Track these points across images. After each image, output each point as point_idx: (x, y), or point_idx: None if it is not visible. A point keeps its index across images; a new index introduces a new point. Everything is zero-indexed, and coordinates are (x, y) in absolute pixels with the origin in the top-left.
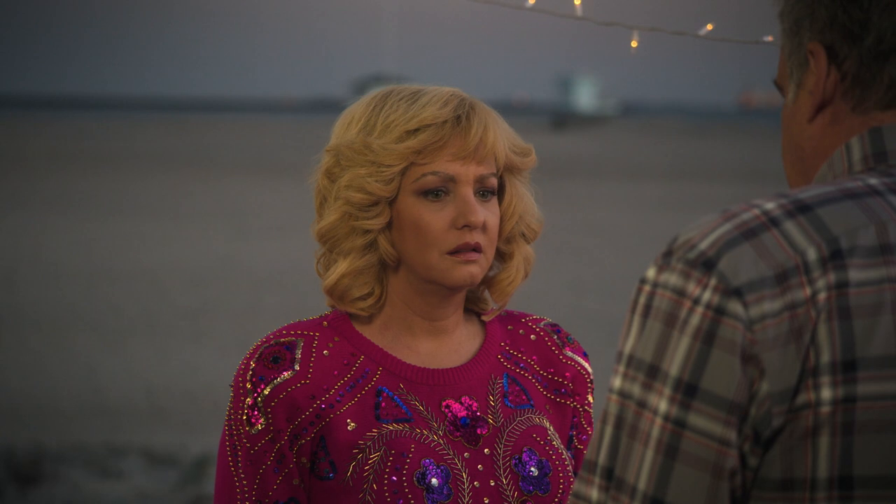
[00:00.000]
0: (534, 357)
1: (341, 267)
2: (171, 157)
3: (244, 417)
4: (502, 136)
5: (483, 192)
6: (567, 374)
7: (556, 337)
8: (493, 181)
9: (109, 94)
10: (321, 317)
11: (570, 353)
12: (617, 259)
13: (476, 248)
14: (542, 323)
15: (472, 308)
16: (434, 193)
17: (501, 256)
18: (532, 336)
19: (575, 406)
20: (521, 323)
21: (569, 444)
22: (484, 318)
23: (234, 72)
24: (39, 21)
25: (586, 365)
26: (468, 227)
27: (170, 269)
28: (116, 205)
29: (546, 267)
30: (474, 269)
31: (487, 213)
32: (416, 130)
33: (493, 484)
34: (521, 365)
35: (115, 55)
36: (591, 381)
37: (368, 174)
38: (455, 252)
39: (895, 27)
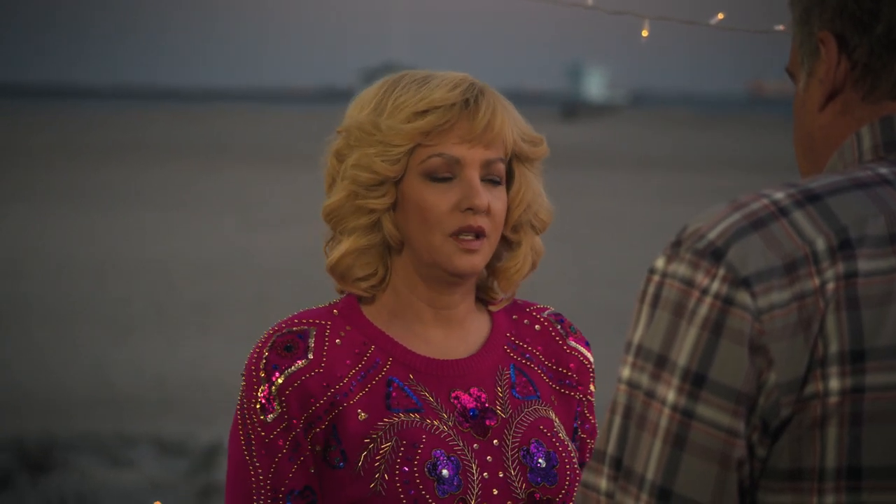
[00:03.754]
0: (538, 347)
1: (344, 245)
2: (177, 147)
3: (258, 406)
4: (511, 121)
5: (490, 178)
6: (571, 364)
7: (559, 327)
8: (501, 167)
9: (116, 84)
10: (331, 304)
11: (573, 344)
12: (625, 249)
13: (479, 233)
14: (545, 312)
15: (480, 296)
16: (440, 178)
17: (509, 245)
18: (536, 326)
19: (579, 397)
20: (525, 312)
21: (573, 434)
22: (491, 308)
23: (242, 61)
24: (46, 11)
25: (588, 355)
26: (471, 210)
27: (178, 261)
28: (124, 196)
29: (554, 257)
30: (476, 260)
31: (493, 199)
32: (425, 112)
33: (501, 475)
34: (527, 356)
35: (122, 45)
36: (593, 371)
37: (376, 154)
38: (458, 234)
39: None
